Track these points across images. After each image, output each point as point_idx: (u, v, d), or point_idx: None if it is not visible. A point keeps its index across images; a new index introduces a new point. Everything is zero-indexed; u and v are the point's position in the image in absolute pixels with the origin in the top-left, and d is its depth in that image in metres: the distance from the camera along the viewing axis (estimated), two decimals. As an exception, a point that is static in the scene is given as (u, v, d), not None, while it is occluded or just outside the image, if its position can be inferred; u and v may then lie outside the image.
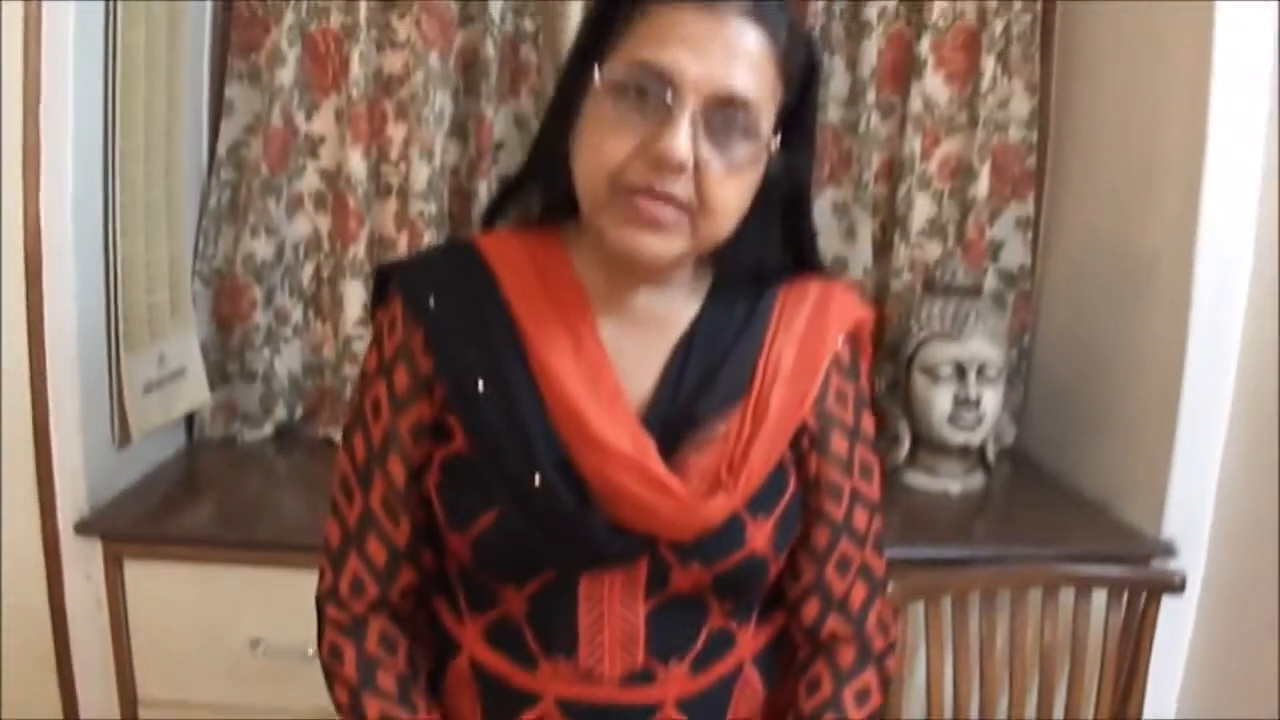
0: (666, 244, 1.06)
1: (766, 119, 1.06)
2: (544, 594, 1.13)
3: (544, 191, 1.19)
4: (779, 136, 1.09)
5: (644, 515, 1.09)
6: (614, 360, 1.14)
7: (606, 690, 1.14)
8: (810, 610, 1.23)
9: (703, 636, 1.17)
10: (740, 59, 1.04)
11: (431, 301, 1.15)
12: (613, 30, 1.08)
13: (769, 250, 1.18)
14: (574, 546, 1.10)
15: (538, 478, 1.09)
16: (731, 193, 1.06)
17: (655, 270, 1.12)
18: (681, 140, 1.01)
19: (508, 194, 1.23)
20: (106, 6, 1.85)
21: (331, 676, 1.20)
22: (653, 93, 1.02)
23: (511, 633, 1.16)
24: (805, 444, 1.19)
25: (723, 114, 1.03)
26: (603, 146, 1.04)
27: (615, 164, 1.03)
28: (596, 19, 1.11)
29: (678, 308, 1.18)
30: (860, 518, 1.23)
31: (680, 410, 1.14)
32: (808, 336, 1.18)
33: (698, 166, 1.03)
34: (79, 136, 1.79)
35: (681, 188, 1.03)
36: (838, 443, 1.20)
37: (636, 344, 1.16)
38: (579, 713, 1.14)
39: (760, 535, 1.13)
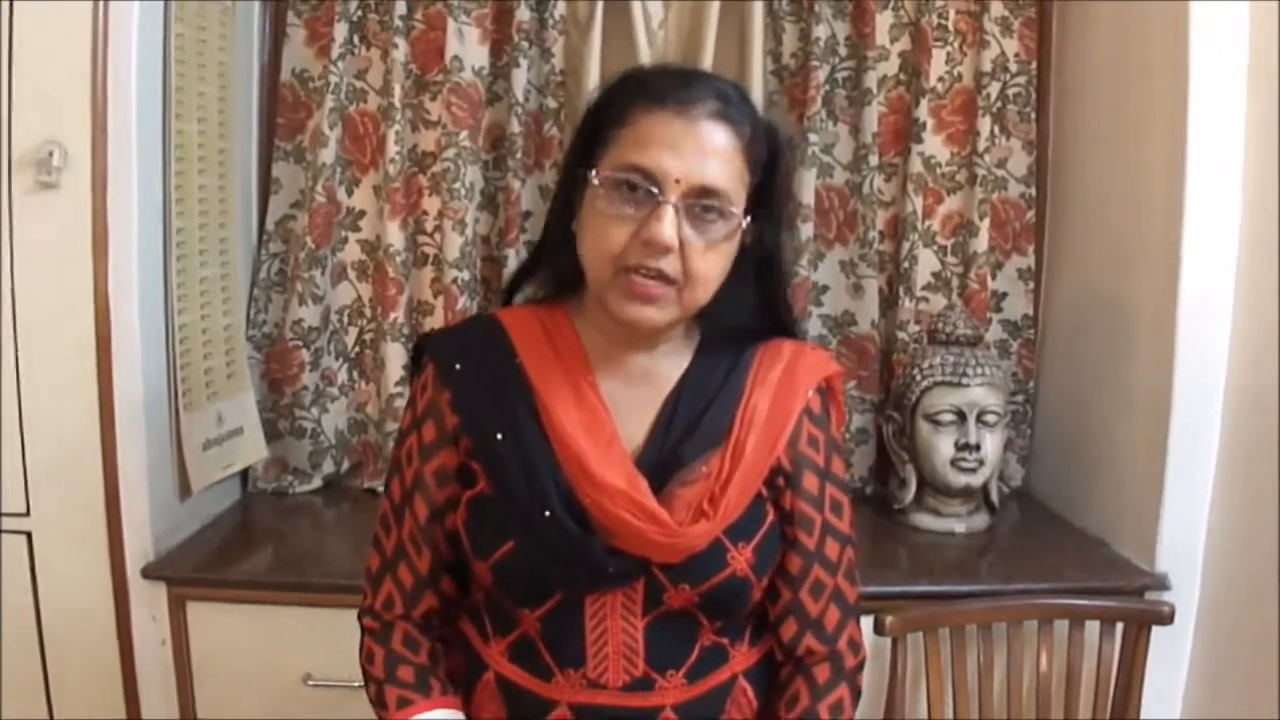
0: (660, 313, 1.25)
1: (737, 201, 1.25)
2: (555, 614, 1.31)
3: (553, 271, 1.40)
4: (749, 217, 1.28)
5: (637, 541, 1.26)
6: (611, 410, 1.32)
7: (611, 696, 1.31)
8: (788, 630, 1.38)
9: (696, 651, 1.33)
10: (711, 155, 1.24)
11: (457, 366, 1.34)
12: (601, 138, 1.27)
13: (745, 312, 1.36)
14: (579, 569, 1.28)
15: (547, 512, 1.26)
16: (711, 265, 1.25)
17: (651, 335, 1.31)
18: (667, 227, 1.20)
19: (522, 276, 1.45)
20: (164, 101, 2.04)
21: (366, 676, 1.41)
22: (641, 189, 1.22)
23: (529, 650, 1.33)
24: (780, 482, 1.35)
25: (700, 202, 1.22)
26: (604, 235, 1.24)
27: (615, 249, 1.23)
28: (586, 131, 1.31)
29: (668, 365, 1.36)
30: (832, 548, 1.38)
31: (668, 452, 1.31)
32: (781, 389, 1.35)
33: (682, 246, 1.22)
34: (142, 220, 1.98)
35: (669, 264, 1.22)
36: (809, 481, 1.36)
37: (631, 396, 1.34)
38: (589, 717, 1.31)
39: (741, 559, 1.30)
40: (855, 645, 1.41)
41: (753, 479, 1.32)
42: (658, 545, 1.26)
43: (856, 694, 1.42)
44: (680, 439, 1.32)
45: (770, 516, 1.34)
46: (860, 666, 1.42)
